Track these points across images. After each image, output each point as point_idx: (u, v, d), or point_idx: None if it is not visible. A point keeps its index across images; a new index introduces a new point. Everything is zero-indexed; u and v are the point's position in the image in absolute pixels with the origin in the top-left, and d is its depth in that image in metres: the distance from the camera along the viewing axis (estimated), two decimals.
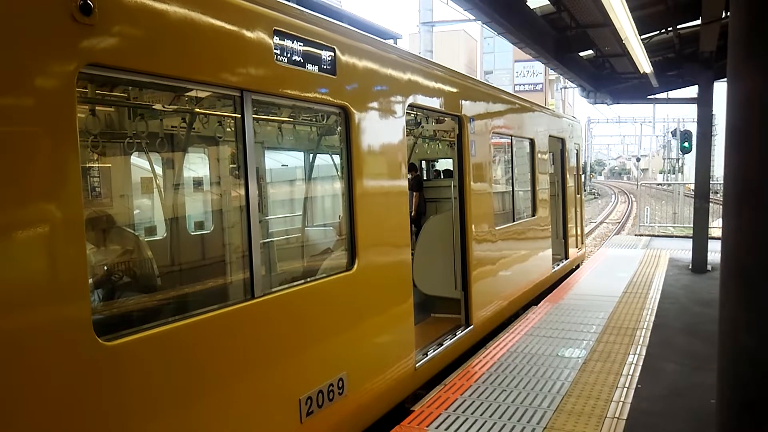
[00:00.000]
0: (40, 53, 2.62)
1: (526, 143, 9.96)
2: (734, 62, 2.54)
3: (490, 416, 5.05)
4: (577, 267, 13.09)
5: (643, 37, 9.42)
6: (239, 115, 3.86)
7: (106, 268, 4.65)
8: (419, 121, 8.83)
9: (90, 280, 3.08)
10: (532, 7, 9.33)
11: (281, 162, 7.42)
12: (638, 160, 74.99)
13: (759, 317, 2.50)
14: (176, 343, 3.28)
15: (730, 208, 2.59)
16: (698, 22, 9.34)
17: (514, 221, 9.11)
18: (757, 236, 2.43)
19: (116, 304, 4.38)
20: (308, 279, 4.66)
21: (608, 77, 13.74)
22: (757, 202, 2.43)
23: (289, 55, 4.08)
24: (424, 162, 11.69)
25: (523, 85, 59.90)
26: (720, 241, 2.86)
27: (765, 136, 2.39)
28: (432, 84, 6.29)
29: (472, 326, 7.05)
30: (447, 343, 6.48)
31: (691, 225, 12.33)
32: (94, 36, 2.84)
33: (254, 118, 4.01)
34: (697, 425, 4.79)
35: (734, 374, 2.68)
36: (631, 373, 5.98)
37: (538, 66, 56.56)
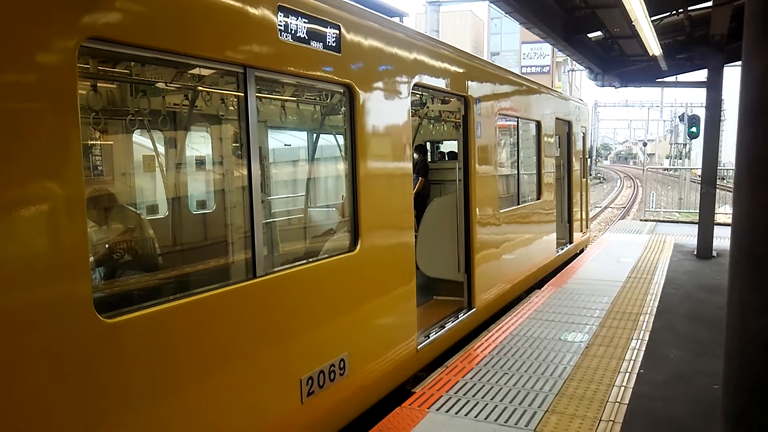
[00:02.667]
0: (40, 26, 2.57)
1: (533, 125, 9.87)
2: (749, 40, 2.47)
3: (492, 399, 5.05)
4: (582, 251, 13.06)
5: (653, 18, 9.28)
6: (242, 93, 3.81)
7: (107, 246, 4.64)
8: (424, 101, 8.75)
9: (91, 258, 3.06)
10: None
11: (284, 142, 7.38)
12: (645, 144, 74.60)
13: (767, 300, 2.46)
14: (177, 321, 3.27)
15: (742, 190, 2.53)
16: (709, 3, 9.21)
17: (518, 204, 9.06)
18: None
19: (117, 282, 4.36)
20: (310, 259, 4.64)
21: (617, 60, 13.59)
22: None
23: (293, 32, 4.02)
24: (428, 143, 11.61)
25: (530, 67, 59.47)
26: (725, 227, 2.82)
27: None
28: (438, 63, 6.20)
29: (474, 309, 7.04)
30: (449, 326, 6.48)
31: (697, 211, 12.26)
32: (95, 9, 2.79)
33: (257, 97, 3.96)
34: (699, 411, 4.78)
35: (742, 359, 2.65)
36: (633, 358, 5.96)
37: (546, 48, 56.12)
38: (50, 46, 2.62)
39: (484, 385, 5.33)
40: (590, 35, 12.01)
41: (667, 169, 39.42)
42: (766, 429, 2.56)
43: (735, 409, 2.70)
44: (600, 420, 4.63)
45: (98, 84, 4.66)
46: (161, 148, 5.90)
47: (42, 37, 2.59)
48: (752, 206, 2.50)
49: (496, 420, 4.67)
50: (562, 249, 11.65)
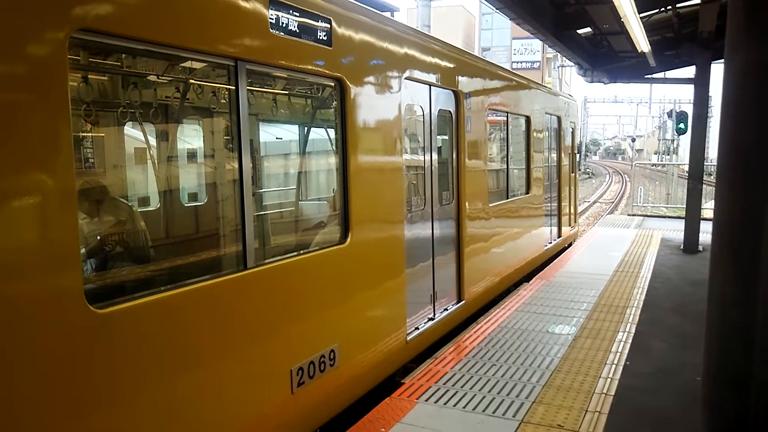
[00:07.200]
0: (30, 17, 2.57)
1: (522, 121, 9.93)
2: (732, 36, 2.52)
3: (480, 390, 5.11)
4: (570, 245, 13.16)
5: (642, 15, 9.34)
6: (233, 87, 3.83)
7: (99, 238, 4.64)
8: None
9: (83, 250, 3.07)
10: None
11: (276, 135, 7.38)
12: (633, 140, 74.92)
13: (747, 292, 2.51)
14: (168, 312, 3.30)
15: (723, 183, 2.58)
16: (698, 0, 9.28)
17: (507, 198, 9.12)
18: (748, 212, 2.43)
19: (109, 274, 4.37)
20: (301, 251, 4.67)
21: (606, 56, 13.66)
22: (749, 177, 2.43)
23: (284, 25, 4.04)
24: None
25: (521, 62, 59.51)
26: (712, 221, 2.87)
27: (761, 108, 2.38)
28: (428, 58, 6.24)
29: (463, 302, 7.09)
30: (438, 318, 6.53)
31: (684, 206, 12.38)
32: (86, 0, 2.80)
33: (249, 90, 3.98)
34: (684, 402, 4.86)
35: (721, 349, 2.71)
36: (620, 350, 6.05)
37: (536, 44, 56.15)
38: (40, 37, 2.62)
39: (472, 377, 5.39)
40: (579, 31, 12.06)
41: (655, 165, 39.66)
42: (744, 418, 2.62)
43: (715, 398, 2.77)
44: (586, 411, 4.70)
45: (89, 76, 4.65)
46: (153, 141, 5.90)
47: (32, 28, 2.59)
48: (733, 199, 2.55)
49: (484, 411, 4.73)
50: (551, 243, 11.73)
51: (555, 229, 12.25)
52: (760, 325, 2.49)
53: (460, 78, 6.95)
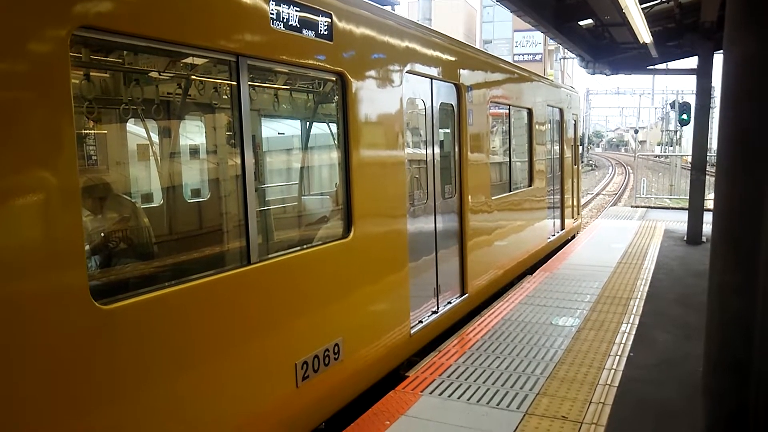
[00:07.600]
0: (32, 15, 2.58)
1: (524, 113, 9.92)
2: (730, 28, 2.52)
3: (484, 382, 5.12)
4: (573, 237, 13.16)
5: (643, 6, 9.32)
6: (235, 82, 3.84)
7: (103, 234, 4.65)
8: None
9: (87, 247, 3.08)
10: None
11: (278, 130, 7.38)
12: (636, 132, 74.78)
13: (746, 280, 2.52)
14: (172, 308, 3.31)
15: (722, 173, 2.59)
16: None
17: (510, 191, 9.12)
18: (748, 200, 2.44)
19: (113, 270, 4.39)
20: (304, 246, 4.69)
21: (607, 47, 13.62)
22: (748, 166, 2.44)
23: (285, 20, 4.05)
24: None
25: (522, 55, 59.43)
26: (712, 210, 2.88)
27: (760, 99, 2.38)
28: (430, 52, 6.23)
29: (467, 295, 7.11)
30: (442, 311, 6.54)
31: (687, 197, 12.36)
32: None
33: (250, 85, 3.99)
34: (687, 394, 4.87)
35: (721, 337, 2.73)
36: (623, 341, 6.06)
37: (538, 36, 56.06)
38: (42, 35, 2.63)
39: (476, 369, 5.41)
40: (581, 23, 12.03)
41: (658, 156, 39.57)
42: (745, 405, 2.63)
43: (716, 387, 2.78)
44: (590, 402, 4.72)
45: (91, 73, 4.66)
46: (155, 137, 5.91)
47: (34, 26, 2.59)
48: (732, 189, 2.56)
49: (488, 403, 4.75)
50: (554, 235, 11.74)
51: (558, 222, 12.25)
52: (759, 314, 2.51)
53: (461, 71, 6.94)
